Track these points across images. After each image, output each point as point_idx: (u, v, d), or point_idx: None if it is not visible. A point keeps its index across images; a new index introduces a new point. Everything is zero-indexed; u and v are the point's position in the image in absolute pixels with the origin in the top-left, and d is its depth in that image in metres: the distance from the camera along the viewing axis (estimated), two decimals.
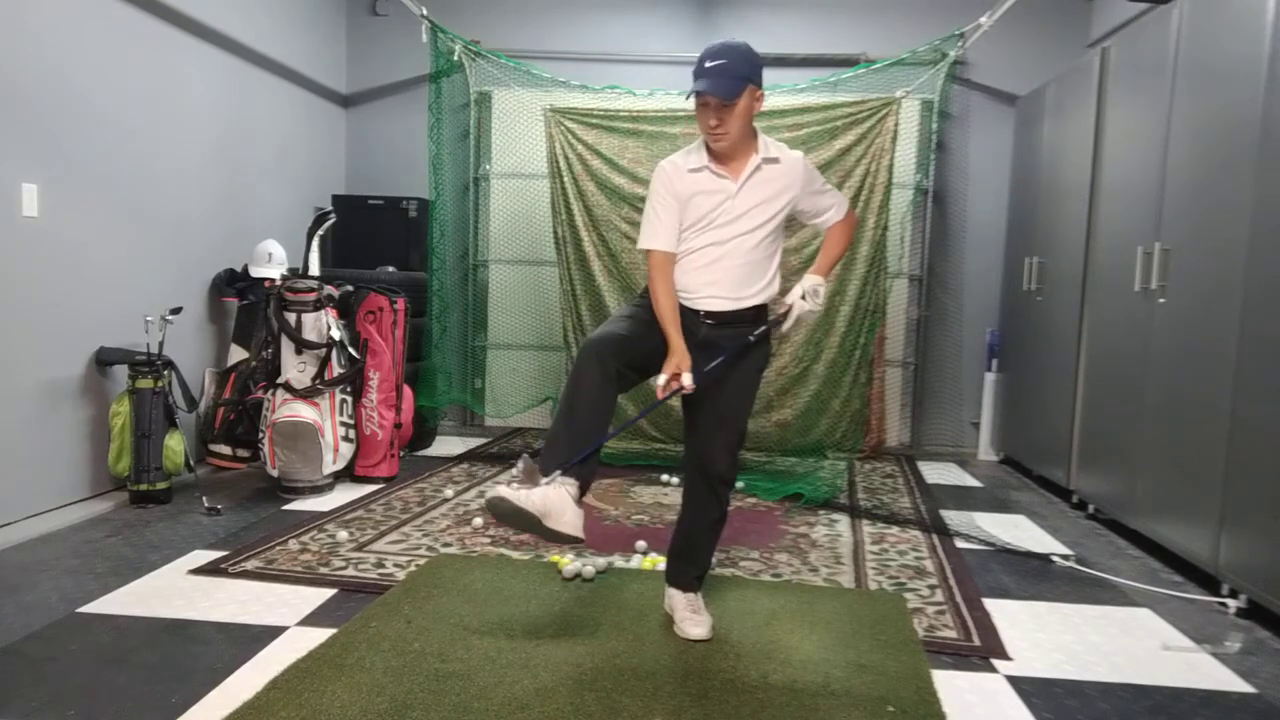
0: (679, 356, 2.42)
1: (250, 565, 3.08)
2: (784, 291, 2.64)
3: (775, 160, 2.53)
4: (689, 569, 2.65)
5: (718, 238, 2.50)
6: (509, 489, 2.23)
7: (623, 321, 2.52)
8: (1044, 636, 2.70)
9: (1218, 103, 3.23)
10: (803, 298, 2.55)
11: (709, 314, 2.53)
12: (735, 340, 2.51)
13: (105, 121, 3.83)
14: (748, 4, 5.80)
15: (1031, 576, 3.27)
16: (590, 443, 2.32)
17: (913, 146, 5.53)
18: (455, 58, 5.51)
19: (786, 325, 2.58)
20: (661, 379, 2.41)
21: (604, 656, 2.41)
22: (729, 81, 2.37)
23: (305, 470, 4.02)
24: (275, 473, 4.02)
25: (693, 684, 2.27)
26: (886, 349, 5.59)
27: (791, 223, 2.70)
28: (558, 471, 2.28)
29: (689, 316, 2.53)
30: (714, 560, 3.22)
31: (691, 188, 2.50)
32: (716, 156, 2.50)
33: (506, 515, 2.24)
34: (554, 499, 2.25)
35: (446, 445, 5.42)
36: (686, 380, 2.40)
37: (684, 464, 2.66)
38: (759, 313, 2.58)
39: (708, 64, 2.39)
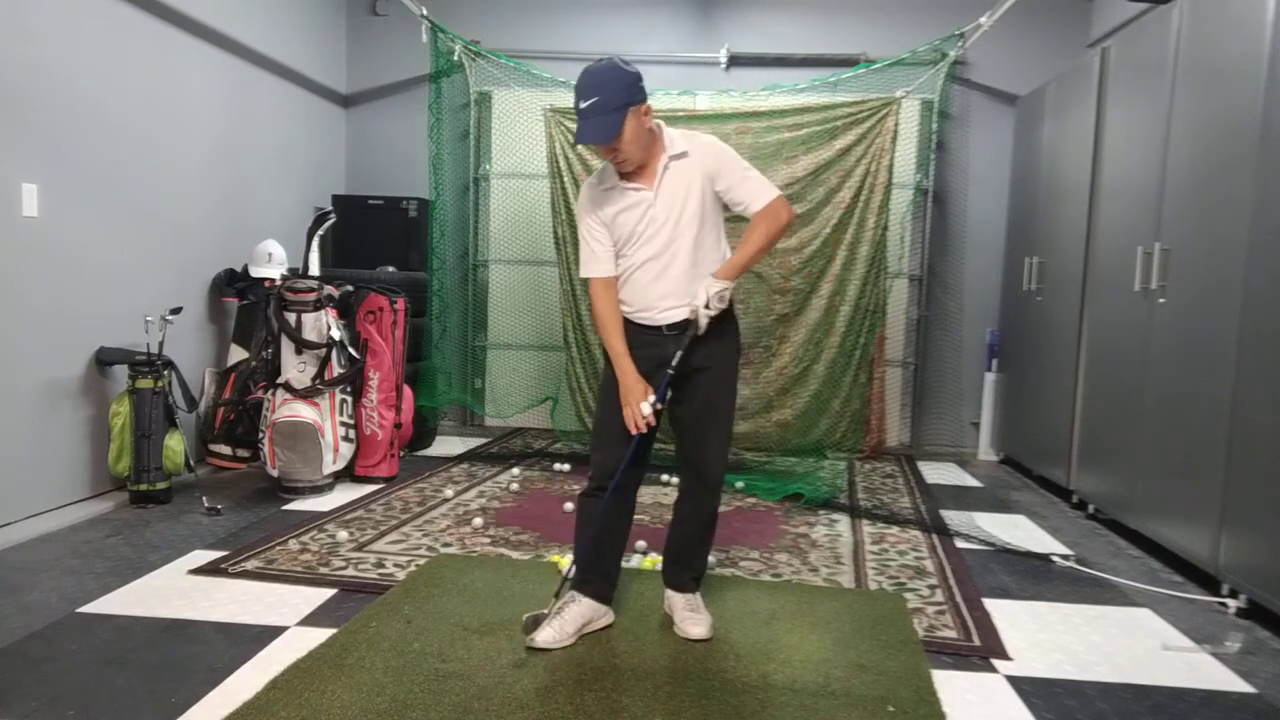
0: (633, 393, 2.44)
1: (250, 565, 3.08)
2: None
3: (683, 154, 2.47)
4: (685, 571, 2.66)
5: (654, 250, 2.46)
6: (543, 636, 2.45)
7: (611, 423, 2.51)
8: (1044, 636, 2.70)
9: (1218, 103, 3.23)
10: (706, 306, 2.44)
11: (670, 326, 2.50)
12: (701, 348, 2.48)
13: (105, 121, 3.83)
14: (748, 4, 5.80)
15: (1031, 576, 3.27)
16: (600, 561, 2.58)
17: (913, 146, 5.53)
18: (455, 58, 5.51)
19: (701, 330, 2.48)
20: (629, 423, 2.44)
21: (604, 656, 2.41)
22: (605, 120, 2.32)
23: (305, 470, 4.02)
24: (275, 473, 4.02)
25: (693, 684, 2.27)
26: (886, 349, 5.59)
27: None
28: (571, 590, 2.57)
29: (653, 335, 2.51)
30: (713, 560, 3.22)
31: (611, 208, 2.48)
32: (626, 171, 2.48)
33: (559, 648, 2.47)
34: (581, 614, 2.53)
35: (446, 445, 5.42)
36: (646, 409, 2.43)
37: (677, 467, 2.65)
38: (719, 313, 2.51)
39: (582, 105, 2.34)
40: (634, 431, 2.45)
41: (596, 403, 2.67)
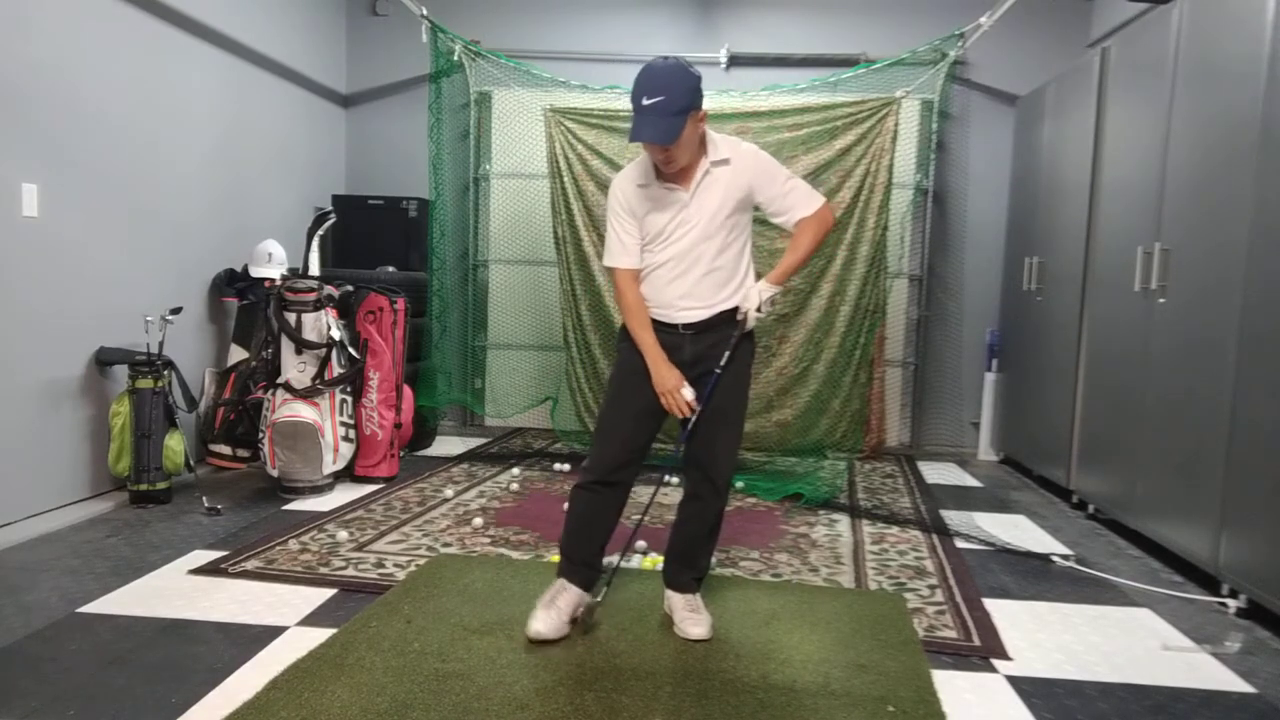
0: (668, 380, 2.47)
1: (250, 565, 3.08)
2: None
3: (725, 161, 2.46)
4: (687, 571, 2.66)
5: (680, 250, 2.47)
6: (544, 627, 2.48)
7: (618, 420, 2.54)
8: (1044, 636, 2.70)
9: (1218, 103, 3.23)
10: (758, 309, 2.51)
11: (687, 325, 2.51)
12: (718, 349, 2.51)
13: (105, 121, 3.83)
14: (748, 4, 5.80)
15: (1031, 576, 3.27)
16: (588, 551, 2.59)
17: (913, 146, 5.53)
18: (455, 58, 5.51)
19: (749, 328, 2.57)
20: (672, 409, 2.48)
21: (604, 656, 2.41)
22: (669, 122, 2.28)
23: (305, 470, 4.02)
24: (275, 473, 4.02)
25: (693, 684, 2.27)
26: (886, 349, 5.59)
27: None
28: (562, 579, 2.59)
29: (669, 333, 2.52)
30: (713, 560, 3.22)
31: (645, 204, 2.47)
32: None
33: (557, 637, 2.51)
34: (573, 601, 2.55)
35: (446, 445, 5.42)
36: (688, 394, 2.46)
37: (685, 469, 2.65)
38: (736, 313, 2.55)
39: (645, 101, 2.28)
40: (679, 415, 2.49)
41: (603, 396, 2.67)
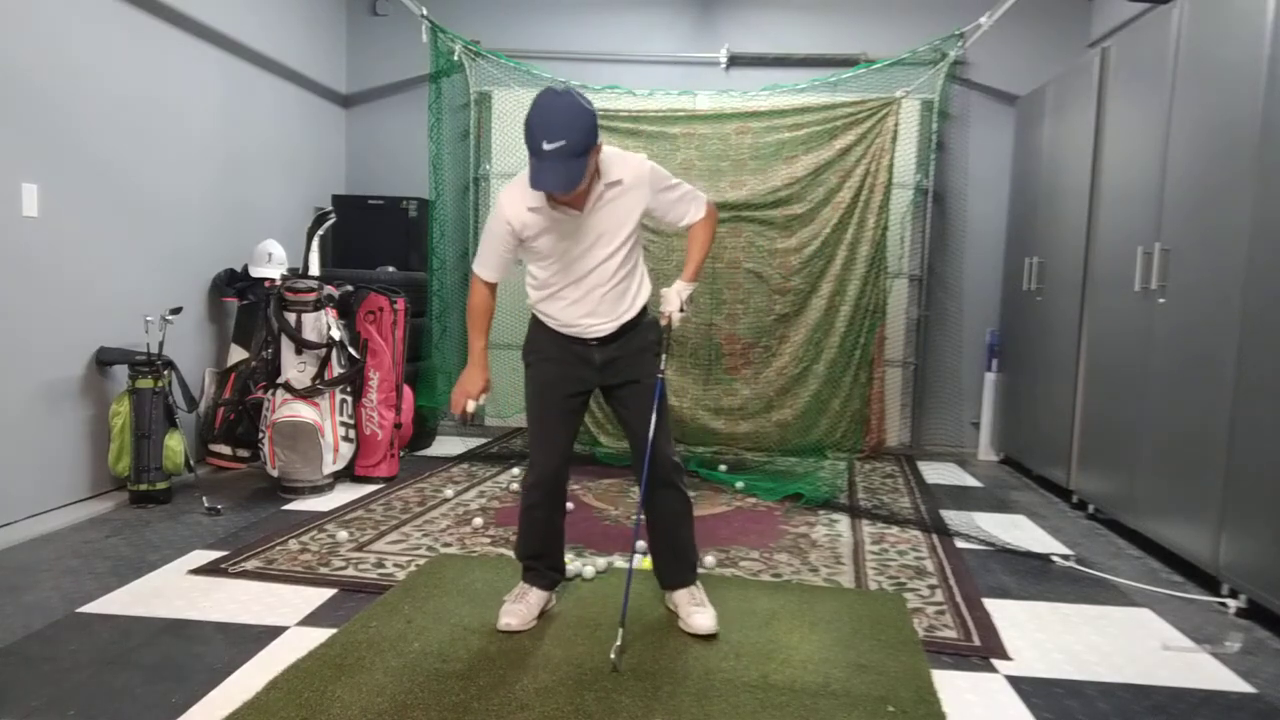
0: (473, 384, 2.59)
1: (250, 565, 3.08)
2: (658, 296, 2.63)
3: (618, 182, 2.42)
4: (681, 565, 2.68)
5: (577, 273, 2.47)
6: (515, 621, 2.57)
7: (544, 429, 2.59)
8: (1044, 636, 2.70)
9: (1218, 103, 3.23)
10: (681, 309, 2.54)
11: (595, 339, 2.54)
12: (628, 352, 2.56)
13: (105, 121, 3.83)
14: (748, 4, 5.80)
15: (1031, 576, 3.27)
16: (552, 558, 2.70)
17: (913, 146, 5.53)
18: (455, 58, 5.51)
19: (675, 327, 2.60)
20: (454, 404, 2.60)
21: (604, 656, 2.40)
22: (570, 166, 2.22)
23: (305, 470, 4.02)
24: (275, 473, 4.02)
25: (693, 684, 2.27)
26: (886, 349, 5.58)
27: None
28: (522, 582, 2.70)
29: (579, 345, 2.56)
30: (713, 560, 3.23)
31: (534, 226, 2.43)
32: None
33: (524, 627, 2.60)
34: (541, 600, 2.66)
35: (446, 445, 5.42)
36: (471, 406, 2.57)
37: (635, 472, 2.63)
38: (641, 316, 2.59)
39: (546, 146, 2.19)
40: (453, 410, 2.60)
41: (528, 402, 2.65)
